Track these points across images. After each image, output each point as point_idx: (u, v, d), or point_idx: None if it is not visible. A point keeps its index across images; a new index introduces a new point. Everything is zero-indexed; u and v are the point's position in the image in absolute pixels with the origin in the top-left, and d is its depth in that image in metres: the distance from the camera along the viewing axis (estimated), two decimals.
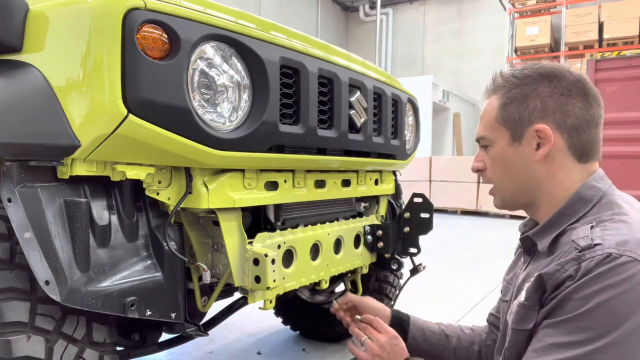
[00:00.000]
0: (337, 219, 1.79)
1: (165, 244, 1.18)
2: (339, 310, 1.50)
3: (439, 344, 1.38)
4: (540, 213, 1.06)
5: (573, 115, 0.99)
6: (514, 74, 1.05)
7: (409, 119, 2.11)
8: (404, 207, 1.95)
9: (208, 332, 1.38)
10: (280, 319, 2.68)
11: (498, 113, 1.05)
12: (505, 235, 6.31)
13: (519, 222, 1.19)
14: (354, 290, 2.12)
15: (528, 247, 1.11)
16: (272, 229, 1.49)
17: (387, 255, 1.93)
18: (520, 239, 1.13)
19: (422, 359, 1.34)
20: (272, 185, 1.44)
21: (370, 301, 1.46)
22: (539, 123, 1.00)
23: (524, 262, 1.16)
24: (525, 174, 1.04)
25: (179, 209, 1.21)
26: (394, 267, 1.99)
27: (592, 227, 0.92)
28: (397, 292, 2.30)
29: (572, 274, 0.87)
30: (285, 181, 1.47)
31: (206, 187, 1.23)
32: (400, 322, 1.41)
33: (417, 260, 2.00)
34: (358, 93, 1.62)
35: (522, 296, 0.98)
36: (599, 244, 0.86)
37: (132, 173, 1.09)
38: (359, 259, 1.85)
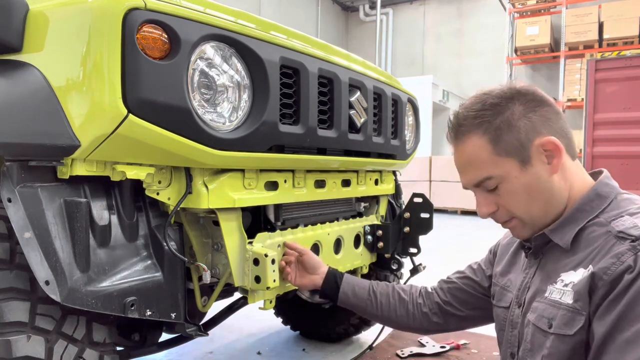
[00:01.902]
0: (337, 219, 1.79)
1: (165, 244, 1.18)
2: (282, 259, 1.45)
3: (367, 299, 1.45)
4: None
5: (554, 120, 1.02)
6: (481, 108, 1.03)
7: (409, 119, 2.11)
8: (404, 207, 1.95)
9: (208, 332, 1.38)
10: (280, 319, 2.68)
11: (493, 148, 1.02)
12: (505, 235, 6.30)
13: None
14: None
15: (537, 248, 1.10)
16: (272, 229, 1.49)
17: (387, 255, 1.93)
18: (533, 239, 1.09)
19: None
20: (272, 185, 1.44)
21: (311, 253, 1.49)
22: (538, 138, 1.00)
23: (529, 265, 1.13)
24: (547, 191, 1.02)
25: (179, 209, 1.21)
26: (394, 267, 1.99)
27: (631, 215, 0.93)
28: None
29: (631, 264, 0.85)
30: (285, 181, 1.47)
31: (206, 187, 1.23)
32: (334, 278, 1.48)
33: (417, 260, 2.00)
34: (358, 93, 1.62)
35: (567, 297, 0.94)
36: None
37: (132, 173, 1.09)
38: (359, 259, 1.85)
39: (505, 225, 1.11)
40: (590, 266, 0.92)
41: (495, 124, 1.01)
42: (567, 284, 0.96)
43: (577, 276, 0.95)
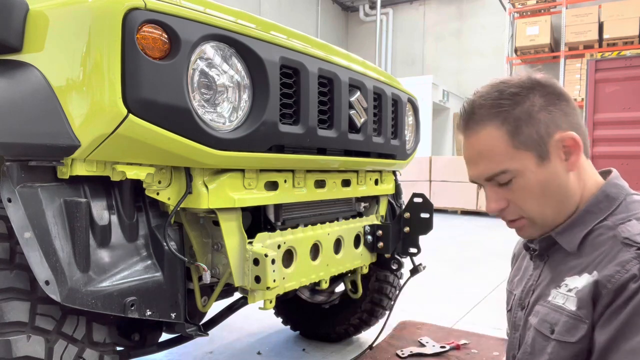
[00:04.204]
0: (337, 219, 1.79)
1: (165, 244, 1.18)
2: None
3: None
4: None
5: (571, 115, 0.97)
6: (499, 96, 0.96)
7: (409, 119, 2.11)
8: (404, 207, 1.94)
9: (208, 332, 1.38)
10: (280, 319, 2.68)
11: (510, 140, 0.95)
12: (505, 235, 6.30)
13: None
14: (354, 290, 2.12)
15: (543, 250, 1.07)
16: (272, 229, 1.49)
17: (387, 255, 1.93)
18: (538, 241, 1.05)
19: None
20: (272, 185, 1.44)
21: None
22: (557, 133, 0.94)
23: (534, 267, 1.11)
24: (562, 190, 0.97)
25: (179, 209, 1.21)
26: (394, 267, 1.99)
27: (639, 221, 0.90)
28: (397, 292, 2.30)
29: (636, 273, 0.83)
30: (285, 181, 1.47)
31: (206, 187, 1.23)
32: None
33: (417, 260, 2.00)
34: (358, 93, 1.62)
35: (570, 304, 0.92)
36: None
37: (132, 173, 1.09)
38: (359, 259, 1.85)
39: (512, 224, 1.04)
40: (595, 272, 0.90)
41: (514, 114, 0.94)
42: (571, 289, 0.93)
43: (581, 282, 0.92)
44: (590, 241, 0.95)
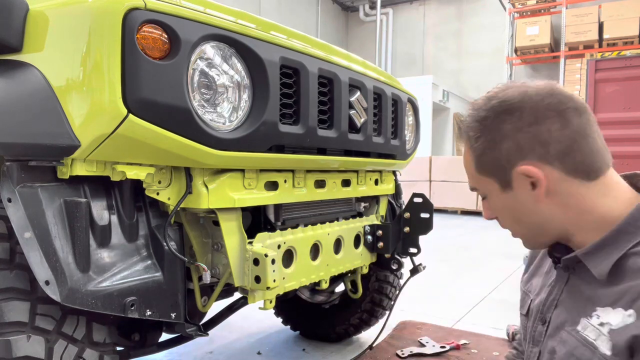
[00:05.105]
0: (337, 219, 1.79)
1: (165, 244, 1.18)
2: None
3: None
4: (577, 239, 0.91)
5: (554, 141, 0.85)
6: (474, 118, 0.93)
7: (409, 119, 2.11)
8: (404, 207, 1.95)
9: (208, 332, 1.38)
10: (280, 319, 2.68)
11: (475, 164, 0.95)
12: (505, 235, 6.30)
13: None
14: (354, 290, 2.12)
15: (568, 264, 0.95)
16: (272, 229, 1.49)
17: (387, 255, 1.93)
18: (565, 259, 0.94)
19: None
20: (272, 185, 1.44)
21: None
22: (519, 164, 0.88)
23: (557, 277, 1.00)
24: (535, 216, 0.91)
25: (179, 209, 1.21)
26: (394, 267, 1.99)
27: None
28: (397, 292, 2.30)
29: None
30: (285, 181, 1.47)
31: (206, 187, 1.23)
32: None
33: (417, 260, 2.00)
34: (358, 93, 1.62)
35: (604, 345, 0.81)
36: None
37: (132, 173, 1.09)
38: (359, 259, 1.85)
39: (512, 235, 1.02)
40: (632, 312, 0.79)
41: (480, 142, 0.92)
42: (603, 324, 0.83)
43: (615, 318, 0.81)
44: (627, 267, 0.82)
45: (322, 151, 1.50)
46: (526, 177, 0.88)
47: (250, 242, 1.34)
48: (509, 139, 0.88)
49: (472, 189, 1.02)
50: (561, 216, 0.90)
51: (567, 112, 0.86)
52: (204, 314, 1.55)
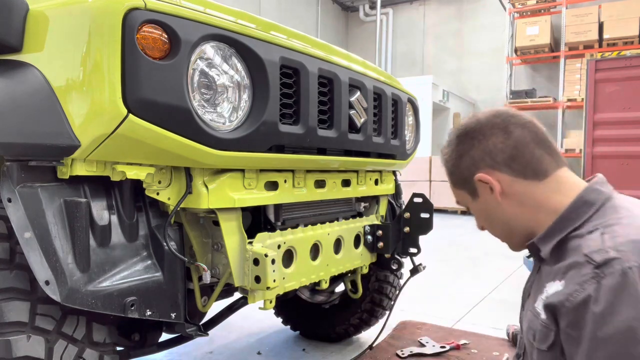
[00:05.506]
0: (337, 219, 1.79)
1: (165, 244, 1.18)
2: None
3: None
4: (540, 233, 1.05)
5: (498, 151, 1.04)
6: (446, 144, 1.16)
7: (409, 119, 2.11)
8: (404, 207, 1.95)
9: (208, 332, 1.38)
10: (280, 319, 2.68)
11: (450, 181, 1.17)
12: None
13: None
14: (354, 290, 2.12)
15: (535, 254, 1.10)
16: (272, 229, 1.49)
17: (387, 255, 1.93)
18: (527, 246, 1.10)
19: None
20: (272, 185, 1.44)
21: None
22: (477, 173, 1.07)
23: (533, 269, 1.15)
24: (502, 216, 1.09)
25: (179, 209, 1.21)
26: (394, 267, 1.99)
27: (602, 234, 0.89)
28: (397, 292, 2.30)
29: (591, 294, 0.83)
30: (285, 181, 1.47)
31: (206, 187, 1.23)
32: None
33: (417, 260, 2.00)
34: (358, 93, 1.62)
35: (542, 313, 0.95)
36: (616, 258, 0.83)
37: (132, 173, 1.09)
38: (359, 259, 1.85)
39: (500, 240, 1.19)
40: (563, 282, 0.91)
41: (450, 163, 1.14)
42: (547, 296, 0.95)
43: (553, 288, 0.94)
44: (565, 248, 0.97)
45: (322, 151, 1.50)
46: (483, 183, 1.07)
47: (250, 242, 1.34)
48: (467, 155, 1.09)
49: (457, 202, 1.21)
50: (522, 214, 1.06)
51: (509, 127, 1.05)
52: (204, 314, 1.55)
